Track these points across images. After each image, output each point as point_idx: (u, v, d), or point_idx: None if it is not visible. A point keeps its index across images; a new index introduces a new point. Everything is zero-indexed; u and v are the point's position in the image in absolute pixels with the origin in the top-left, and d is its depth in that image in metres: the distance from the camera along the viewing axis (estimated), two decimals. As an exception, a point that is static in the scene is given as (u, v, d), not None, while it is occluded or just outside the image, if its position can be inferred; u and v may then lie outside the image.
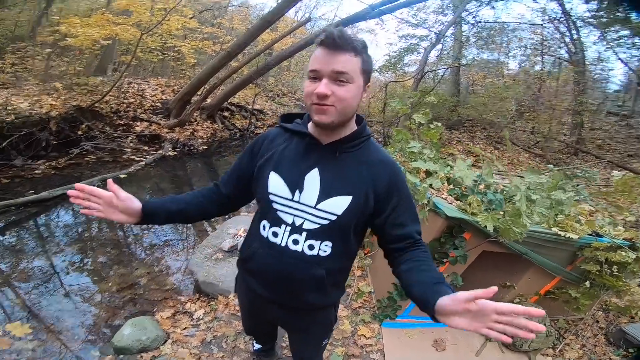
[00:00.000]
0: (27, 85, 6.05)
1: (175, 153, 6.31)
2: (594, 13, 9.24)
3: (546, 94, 11.42)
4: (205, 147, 7.05)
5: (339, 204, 0.89)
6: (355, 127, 0.94)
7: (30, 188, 3.93)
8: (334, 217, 0.89)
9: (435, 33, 9.79)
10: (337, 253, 0.95)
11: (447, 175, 2.14)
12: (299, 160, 0.92)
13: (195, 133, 7.41)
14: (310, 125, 0.95)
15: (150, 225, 3.79)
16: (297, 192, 0.91)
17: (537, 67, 12.53)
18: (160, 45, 8.65)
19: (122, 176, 4.70)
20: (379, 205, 0.91)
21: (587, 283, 2.01)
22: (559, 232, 1.86)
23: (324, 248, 0.93)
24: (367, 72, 0.86)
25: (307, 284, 0.97)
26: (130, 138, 6.19)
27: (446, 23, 10.22)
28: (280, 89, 13.52)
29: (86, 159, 5.15)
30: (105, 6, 9.17)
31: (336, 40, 0.78)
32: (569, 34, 10.19)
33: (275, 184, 0.93)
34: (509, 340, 0.62)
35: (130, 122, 6.59)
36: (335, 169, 0.90)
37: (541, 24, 10.70)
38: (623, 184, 2.62)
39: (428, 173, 2.15)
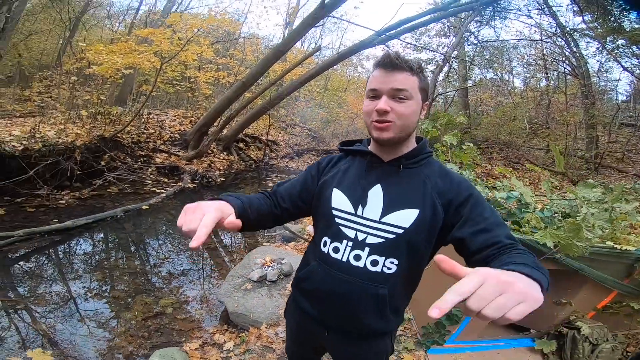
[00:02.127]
0: (53, 113, 6.33)
1: (194, 185, 6.38)
2: (587, 25, 9.35)
3: (556, 110, 11.34)
4: (222, 179, 7.12)
5: (406, 217, 0.86)
6: (416, 145, 0.95)
7: (55, 217, 4.01)
8: (400, 231, 0.86)
9: (440, 54, 10.02)
10: (402, 272, 0.89)
11: (487, 197, 2.07)
12: (361, 177, 0.94)
13: (213, 165, 7.53)
14: (371, 145, 0.98)
15: (169, 256, 3.79)
16: (360, 207, 0.90)
17: (543, 83, 12.58)
18: (178, 75, 9.06)
19: (143, 207, 4.77)
20: (450, 216, 0.86)
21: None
22: (614, 245, 1.74)
23: (389, 265, 0.88)
24: (424, 90, 0.88)
25: (366, 304, 0.90)
26: (150, 170, 6.31)
27: (449, 45, 10.48)
28: (292, 119, 13.84)
29: (108, 190, 5.25)
30: (126, 35, 9.78)
31: (394, 60, 0.83)
32: (567, 48, 10.30)
33: (339, 199, 0.93)
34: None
35: (151, 154, 6.75)
36: (399, 184, 0.90)
37: (540, 39, 10.86)
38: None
39: None
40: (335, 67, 12.63)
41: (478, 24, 10.53)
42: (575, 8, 9.21)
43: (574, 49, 10.11)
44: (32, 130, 4.76)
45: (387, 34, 7.31)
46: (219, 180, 6.98)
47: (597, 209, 1.56)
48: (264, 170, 8.99)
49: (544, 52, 11.15)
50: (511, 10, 9.74)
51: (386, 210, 0.88)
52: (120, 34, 9.95)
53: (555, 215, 1.92)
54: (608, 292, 1.90)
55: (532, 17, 10.08)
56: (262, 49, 12.49)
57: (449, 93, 10.26)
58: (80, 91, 7.24)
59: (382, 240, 0.87)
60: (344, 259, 0.90)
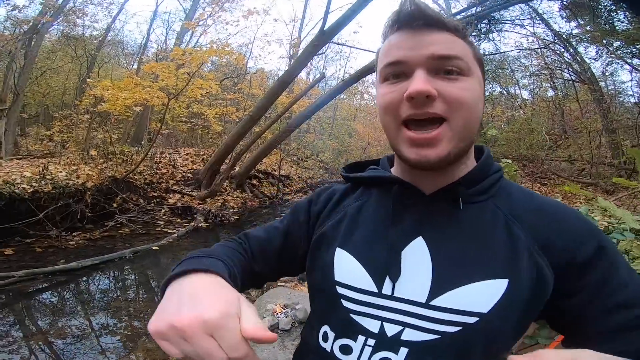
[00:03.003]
0: (66, 153, 6.43)
1: (208, 224, 6.21)
2: (582, 28, 9.33)
3: (572, 118, 11.01)
4: (236, 217, 6.99)
5: (482, 295, 0.47)
6: (475, 162, 0.57)
7: (62, 258, 3.98)
8: (472, 320, 0.46)
9: None
10: None
11: None
12: (386, 225, 0.54)
13: (226, 203, 7.41)
14: (395, 168, 0.61)
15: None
16: (387, 280, 0.51)
17: (550, 93, 12.39)
18: (187, 112, 9.26)
19: (154, 248, 4.62)
20: (566, 282, 0.49)
21: None
22: None
23: None
24: (482, 63, 0.54)
25: None
26: (163, 211, 6.19)
27: None
28: (303, 152, 13.90)
29: (120, 231, 5.18)
30: (135, 73, 10.21)
31: (426, 12, 0.47)
32: (568, 54, 10.22)
33: (347, 268, 0.54)
34: None
35: (163, 194, 6.69)
36: (460, 234, 0.51)
37: (539, 48, 10.77)
38: None
39: None
40: (341, 96, 12.81)
41: (477, 39, 10.68)
42: (565, 14, 9.30)
43: (575, 55, 10.06)
44: (42, 172, 4.80)
45: None
46: (232, 218, 6.83)
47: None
48: (278, 206, 8.87)
49: (546, 60, 11.11)
50: (505, 21, 9.86)
51: (440, 286, 0.48)
52: (131, 72, 10.45)
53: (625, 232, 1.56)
54: None
55: (525, 27, 10.19)
56: (268, 83, 12.91)
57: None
58: (98, 130, 7.42)
59: (435, 336, 0.47)
60: None
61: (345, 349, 0.52)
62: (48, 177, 4.79)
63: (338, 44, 11.46)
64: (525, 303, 0.47)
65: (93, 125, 7.39)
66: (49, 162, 5.44)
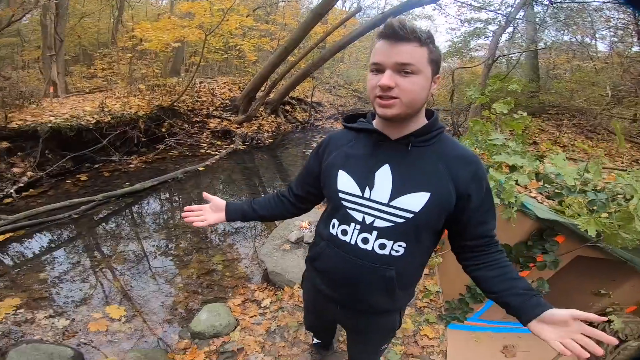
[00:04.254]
0: (116, 87, 6.96)
1: (245, 147, 6.76)
2: None
3: (650, 78, 9.58)
4: (270, 140, 7.45)
5: (416, 200, 0.84)
6: (426, 121, 0.88)
7: (127, 180, 4.51)
8: (410, 215, 0.85)
9: (504, 15, 8.82)
10: (410, 254, 0.90)
11: (536, 170, 1.93)
12: (367, 157, 0.89)
13: (262, 127, 7.84)
14: (376, 121, 0.92)
15: None
16: (367, 189, 0.87)
17: (634, 49, 10.59)
18: (223, 45, 9.27)
19: (200, 169, 5.21)
20: (461, 202, 0.85)
21: None
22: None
23: (397, 248, 0.89)
24: (435, 62, 0.80)
25: (375, 286, 0.93)
26: (205, 134, 6.78)
27: (514, 5, 9.12)
28: (336, 81, 13.54)
29: (170, 154, 5.83)
30: (169, 10, 10.06)
31: (397, 31, 0.74)
32: None
33: (344, 181, 0.90)
34: (586, 355, 0.70)
35: (205, 119, 7.22)
36: (409, 164, 0.85)
37: (623, 2, 8.96)
38: None
39: (512, 168, 1.97)
40: (380, 27, 11.74)
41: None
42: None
43: None
44: (101, 106, 5.35)
45: None
46: (267, 141, 7.30)
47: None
48: (310, 130, 9.18)
49: (637, 15, 9.22)
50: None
51: (395, 193, 0.85)
52: (163, 10, 10.26)
53: (620, 196, 1.75)
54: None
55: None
56: (302, 12, 12.07)
57: (513, 55, 9.12)
58: (138, 65, 7.79)
59: (391, 224, 0.86)
60: (352, 242, 0.91)
61: (344, 232, 0.92)
62: (106, 109, 5.33)
63: None
64: (439, 209, 0.84)
65: (133, 61, 7.68)
66: (105, 97, 5.94)
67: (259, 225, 3.82)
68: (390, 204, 0.85)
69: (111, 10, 11.08)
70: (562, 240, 1.67)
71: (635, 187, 1.26)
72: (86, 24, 11.58)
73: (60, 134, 4.54)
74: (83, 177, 4.48)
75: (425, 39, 0.76)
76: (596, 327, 1.88)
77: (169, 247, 3.28)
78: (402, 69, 0.76)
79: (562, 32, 10.53)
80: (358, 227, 0.90)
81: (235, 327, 2.17)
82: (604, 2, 9.51)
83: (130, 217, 3.88)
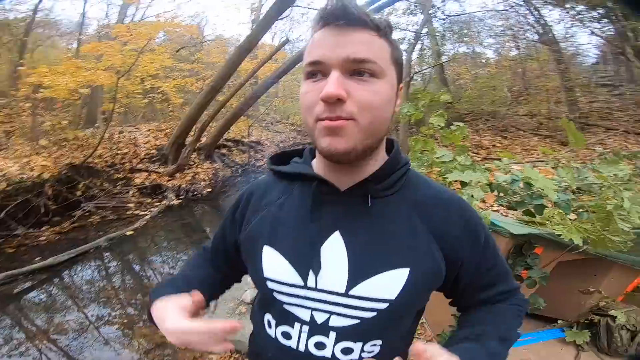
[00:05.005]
0: (15, 144, 5.94)
1: (180, 201, 6.14)
2: None
3: (532, 76, 11.53)
4: (209, 190, 6.92)
5: (390, 283, 0.55)
6: (386, 156, 0.60)
7: (37, 255, 3.98)
8: (383, 306, 0.55)
9: (412, 32, 9.88)
10: (391, 349, 0.60)
11: (489, 181, 1.89)
12: (306, 222, 0.58)
13: (197, 176, 7.26)
14: (316, 162, 0.63)
15: (159, 280, 3.71)
16: (310, 273, 0.57)
17: (514, 52, 12.75)
18: (140, 88, 8.66)
19: (128, 233, 4.57)
20: (453, 268, 0.60)
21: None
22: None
23: (370, 349, 0.59)
24: (399, 63, 0.55)
25: None
26: (131, 192, 6.02)
27: (419, 22, 10.38)
28: (273, 117, 13.54)
29: (90, 220, 5.05)
30: (75, 53, 9.20)
31: (348, 11, 0.48)
32: (532, 15, 10.45)
33: (274, 264, 0.59)
34: None
35: (129, 175, 6.46)
36: (370, 228, 0.56)
37: (504, 10, 10.97)
38: None
39: (463, 183, 1.90)
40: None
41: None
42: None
43: (538, 17, 10.25)
44: None
45: None
46: (205, 191, 6.77)
47: (629, 190, 1.38)
48: (251, 173, 8.83)
49: (510, 22, 11.31)
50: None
51: (355, 277, 0.55)
52: (70, 53, 9.38)
53: (573, 193, 1.75)
54: (636, 273, 1.79)
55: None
56: (230, 50, 12.08)
57: (426, 71, 10.15)
58: (45, 116, 6.80)
59: (355, 321, 0.56)
60: (301, 348, 0.60)
61: (286, 335, 0.61)
62: None
63: (303, 7, 10.73)
64: (423, 285, 0.57)
65: (38, 112, 6.71)
66: None
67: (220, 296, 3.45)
68: (350, 293, 0.55)
69: (9, 54, 9.67)
70: (541, 251, 1.61)
71: (614, 186, 1.21)
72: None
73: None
74: None
75: (384, 27, 0.51)
76: (597, 323, 1.86)
77: (105, 320, 2.89)
78: (357, 69, 0.49)
79: (459, 44, 12.15)
80: (306, 328, 0.59)
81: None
82: (485, 11, 11.28)
83: (48, 292, 3.41)
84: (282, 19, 7.26)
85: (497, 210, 1.78)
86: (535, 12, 10.29)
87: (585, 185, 1.59)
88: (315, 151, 0.64)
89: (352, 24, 0.48)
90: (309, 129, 0.53)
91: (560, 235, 1.39)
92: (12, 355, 2.40)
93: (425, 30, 10.58)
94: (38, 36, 11.22)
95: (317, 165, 0.62)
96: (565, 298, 1.90)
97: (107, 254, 4.12)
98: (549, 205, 1.79)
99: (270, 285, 0.59)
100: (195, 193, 6.55)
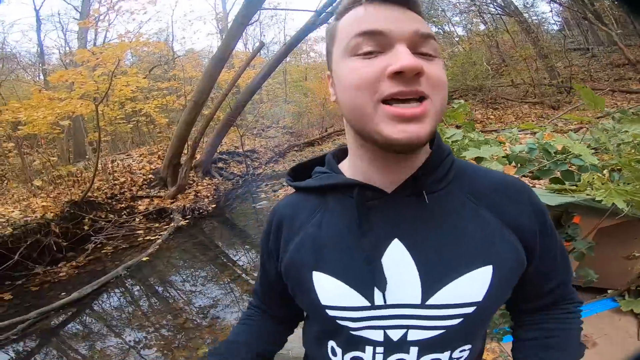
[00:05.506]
0: (10, 188, 5.82)
1: (187, 221, 6.07)
2: None
3: (506, 48, 11.79)
4: (214, 206, 6.86)
5: (474, 284, 0.49)
6: (428, 148, 0.53)
7: (61, 290, 3.93)
8: (469, 310, 0.49)
9: None
10: (476, 351, 0.58)
11: (506, 154, 1.91)
12: (355, 235, 0.51)
13: (199, 194, 7.20)
14: (347, 165, 0.56)
15: (189, 299, 3.73)
16: (376, 291, 0.50)
17: (482, 27, 12.99)
18: (122, 113, 8.51)
19: (144, 259, 4.54)
20: (531, 256, 0.54)
21: None
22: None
23: (458, 355, 0.54)
24: None
25: None
26: (138, 219, 5.95)
27: None
28: (262, 123, 13.46)
29: (103, 251, 5.01)
30: (43, 84, 8.95)
31: None
32: None
33: (330, 290, 0.52)
34: None
35: (131, 203, 6.36)
36: (434, 227, 0.50)
37: None
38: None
39: (479, 159, 1.92)
40: (287, 59, 12.28)
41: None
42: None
43: None
44: None
45: (328, 11, 7.09)
46: (210, 208, 6.71)
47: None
48: (252, 182, 8.77)
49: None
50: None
51: (431, 285, 0.49)
52: (38, 85, 9.12)
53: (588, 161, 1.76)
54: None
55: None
56: (204, 63, 11.95)
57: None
58: (33, 155, 6.64)
59: (441, 331, 0.51)
60: None
61: None
62: (1, 219, 4.41)
63: (270, 9, 10.70)
64: (511, 280, 0.52)
65: (25, 151, 6.52)
66: None
67: (239, 297, 3.53)
68: (428, 303, 0.49)
69: None
70: (578, 220, 1.63)
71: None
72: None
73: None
74: (7, 297, 3.86)
75: (423, 12, 0.48)
76: None
77: (143, 344, 2.90)
78: (424, 48, 0.43)
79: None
80: (380, 349, 0.53)
81: None
82: None
83: (82, 324, 3.39)
84: (251, 24, 7.23)
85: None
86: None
87: (612, 146, 1.63)
88: (338, 156, 0.59)
89: (407, 3, 0.44)
90: (361, 114, 0.44)
91: (601, 201, 1.42)
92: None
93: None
94: (1, 72, 10.88)
95: (350, 169, 0.55)
96: (611, 266, 1.86)
97: (128, 281, 4.13)
98: (574, 170, 1.82)
99: (331, 313, 0.52)
100: (200, 211, 6.49)
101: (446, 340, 0.52)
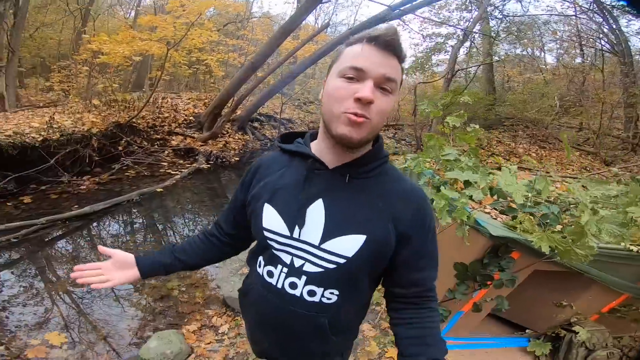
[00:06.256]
0: (71, 102, 6.54)
1: (209, 165, 6.48)
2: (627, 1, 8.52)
3: (591, 88, 10.62)
4: (237, 159, 7.21)
5: (349, 244, 0.72)
6: (371, 146, 0.76)
7: (76, 203, 4.19)
8: (342, 261, 0.73)
9: (461, 30, 9.40)
10: (345, 301, 0.78)
11: (489, 184, 1.93)
12: (298, 188, 0.76)
13: (228, 145, 7.61)
14: (314, 144, 0.80)
15: (180, 238, 3.93)
16: (296, 228, 0.75)
17: (578, 60, 11.72)
18: (187, 59, 9.09)
19: (158, 190, 4.88)
20: (400, 245, 0.75)
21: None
22: (631, 247, 1.61)
23: (328, 295, 0.77)
24: (401, 82, 0.72)
25: (305, 331, 0.81)
26: (166, 152, 6.47)
27: (472, 19, 9.80)
28: (306, 97, 13.62)
29: (126, 173, 5.43)
30: (132, 23, 9.76)
31: (392, 41, 0.64)
32: (606, 24, 9.44)
33: (271, 217, 0.77)
34: None
35: (166, 137, 6.90)
36: (345, 199, 0.74)
37: (574, 15, 10.01)
38: None
39: (467, 183, 1.95)
40: (366, 31, 12.15)
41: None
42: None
43: (614, 26, 9.25)
44: (49, 121, 4.95)
45: (402, 8, 6.93)
46: (233, 160, 7.07)
47: (610, 210, 1.39)
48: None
49: (579, 27, 10.30)
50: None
51: (327, 235, 0.73)
52: (128, 23, 9.98)
53: (572, 206, 1.77)
54: (616, 295, 1.78)
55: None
56: (274, 28, 12.20)
57: (471, 69, 9.67)
58: (99, 79, 7.40)
59: (321, 269, 0.74)
60: (279, 286, 0.78)
61: (270, 274, 0.80)
62: (55, 125, 4.93)
63: None
64: (377, 254, 0.73)
65: (93, 74, 7.31)
66: (54, 112, 5.53)
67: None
68: (321, 246, 0.73)
69: (74, 20, 10.59)
70: (518, 257, 1.66)
71: (585, 203, 1.25)
72: (46, 35, 10.93)
73: (0, 152, 4.15)
74: (26, 200, 4.09)
75: (404, 58, 0.68)
76: (562, 337, 1.91)
77: None
78: (384, 85, 0.65)
79: (514, 45, 11.38)
80: (285, 270, 0.77)
81: (189, 355, 2.06)
82: (551, 15, 10.40)
83: (78, 241, 3.59)
84: (327, 1, 7.25)
85: (489, 213, 1.84)
86: (612, 21, 9.41)
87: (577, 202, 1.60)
88: (313, 135, 0.82)
89: (391, 51, 0.65)
90: (330, 116, 0.68)
91: (532, 242, 1.45)
92: (27, 305, 2.47)
93: (477, 27, 10.05)
94: (100, 4, 11.98)
95: (314, 147, 0.79)
96: (539, 309, 1.91)
97: (136, 209, 4.35)
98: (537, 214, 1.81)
99: (266, 233, 0.78)
100: (224, 160, 6.88)
101: (324, 279, 0.75)
